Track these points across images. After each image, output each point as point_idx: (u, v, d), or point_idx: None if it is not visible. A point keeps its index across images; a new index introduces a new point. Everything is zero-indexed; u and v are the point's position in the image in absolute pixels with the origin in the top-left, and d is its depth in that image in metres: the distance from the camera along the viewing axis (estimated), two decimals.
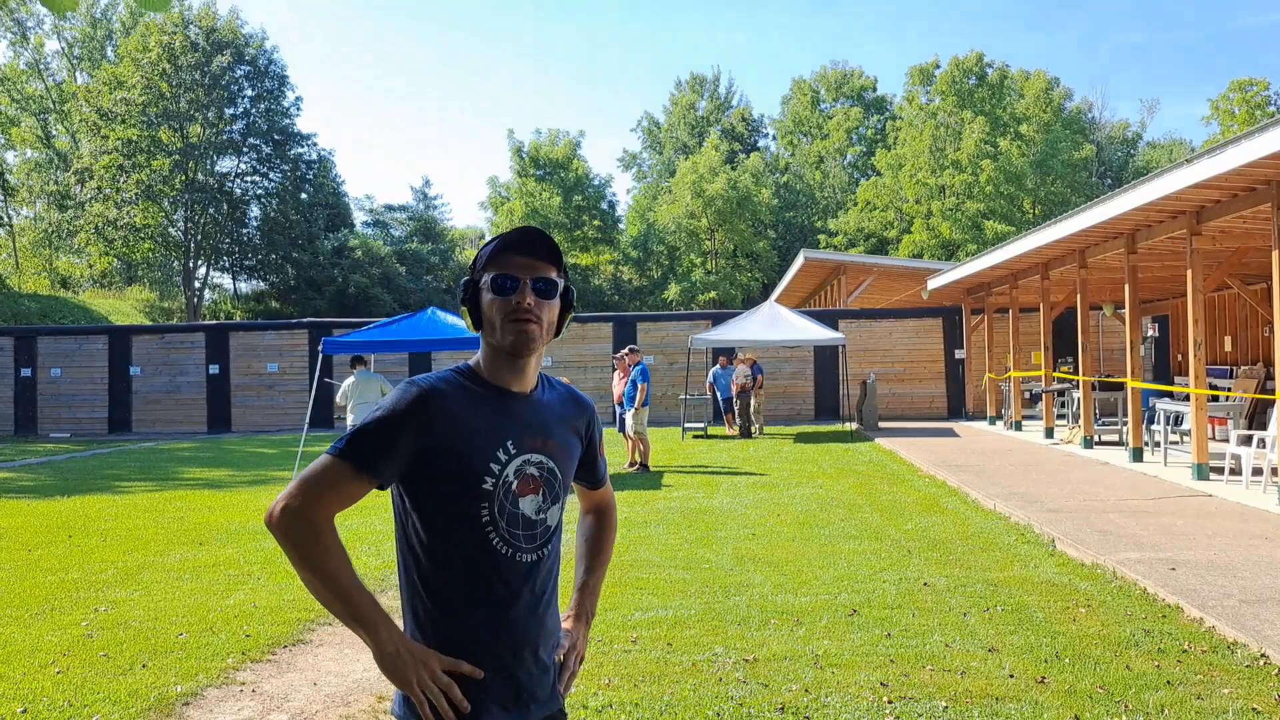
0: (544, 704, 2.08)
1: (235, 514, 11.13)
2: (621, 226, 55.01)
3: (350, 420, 13.34)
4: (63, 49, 55.65)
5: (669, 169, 60.57)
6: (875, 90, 63.65)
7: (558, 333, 2.12)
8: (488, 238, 60.18)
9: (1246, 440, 11.22)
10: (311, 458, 16.60)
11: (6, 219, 46.47)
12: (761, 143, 66.14)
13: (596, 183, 52.28)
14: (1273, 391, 15.24)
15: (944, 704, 4.64)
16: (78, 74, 54.83)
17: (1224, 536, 8.07)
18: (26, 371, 25.30)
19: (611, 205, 53.67)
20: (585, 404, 2.29)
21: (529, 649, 2.04)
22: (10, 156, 52.75)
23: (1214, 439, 13.48)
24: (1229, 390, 16.79)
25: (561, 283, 2.07)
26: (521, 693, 2.03)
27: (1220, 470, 11.38)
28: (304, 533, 1.87)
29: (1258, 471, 10.63)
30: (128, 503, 12.28)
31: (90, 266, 48.63)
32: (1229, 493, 10.35)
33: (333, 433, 22.39)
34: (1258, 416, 14.98)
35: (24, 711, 4.80)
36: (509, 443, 2.02)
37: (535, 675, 2.06)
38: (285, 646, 5.86)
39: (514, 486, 2.02)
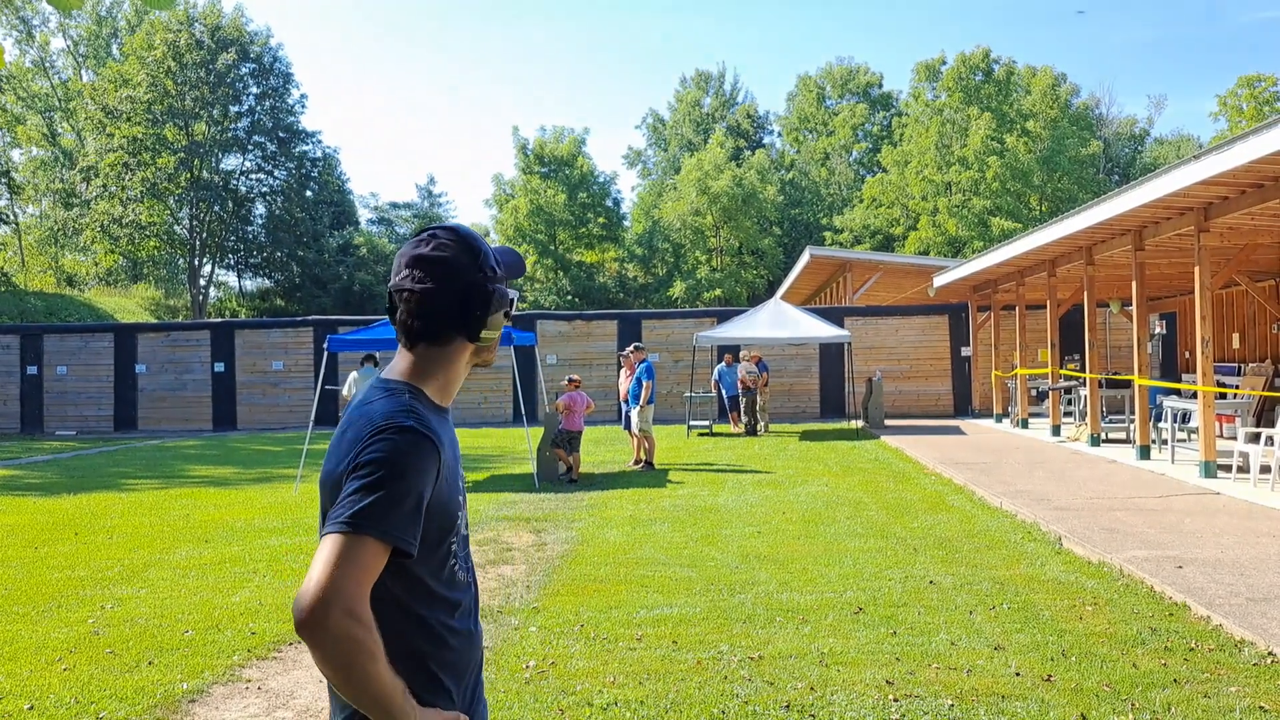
0: (484, 700, 2.03)
1: (241, 512, 11.15)
2: (626, 224, 54.99)
3: None
4: (68, 47, 55.79)
5: (674, 166, 60.54)
6: (881, 87, 63.57)
7: None
8: (492, 235, 60.31)
9: (1254, 438, 11.17)
10: (316, 455, 16.65)
11: (12, 217, 46.58)
12: (767, 139, 66.07)
13: (601, 180, 52.26)
14: None
15: (950, 702, 4.63)
16: (83, 72, 54.95)
17: (1231, 535, 8.05)
18: (32, 369, 25.36)
19: (616, 202, 53.65)
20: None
21: (481, 662, 1.99)
22: (16, 154, 52.89)
23: (1222, 436, 13.43)
24: (1237, 388, 16.73)
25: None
26: (481, 696, 1.97)
27: (1228, 468, 11.34)
28: (352, 633, 1.58)
29: (1266, 469, 10.59)
30: (133, 500, 12.30)
31: (96, 264, 48.74)
32: (1237, 491, 10.31)
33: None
34: (1266, 414, 14.91)
35: (31, 708, 4.81)
36: (459, 466, 1.90)
37: (481, 676, 2.02)
38: (291, 644, 5.86)
39: (465, 531, 1.91)
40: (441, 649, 1.82)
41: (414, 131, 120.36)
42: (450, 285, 1.84)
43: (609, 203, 52.47)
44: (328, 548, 1.62)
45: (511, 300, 1.93)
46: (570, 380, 13.59)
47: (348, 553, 1.61)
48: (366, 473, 1.66)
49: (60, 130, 54.03)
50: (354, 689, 1.61)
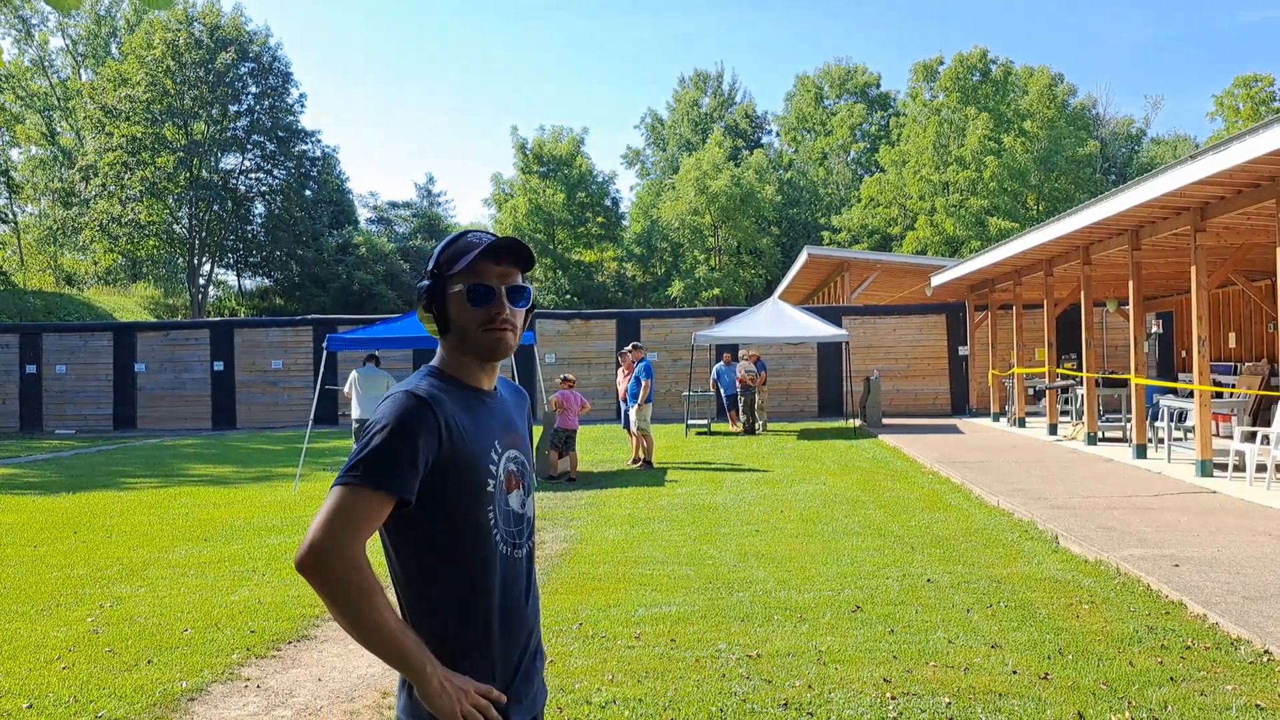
0: (543, 692, 2.15)
1: (240, 510, 11.16)
2: (625, 223, 54.98)
3: (355, 414, 13.35)
4: (67, 46, 55.75)
5: (672, 166, 60.51)
6: (879, 87, 63.55)
7: (522, 333, 2.16)
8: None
9: (1250, 437, 11.20)
10: (315, 453, 16.67)
11: (11, 216, 46.53)
12: (765, 139, 66.04)
13: (600, 179, 52.25)
14: (1277, 388, 15.22)
15: (947, 700, 4.65)
16: (82, 71, 54.91)
17: (1228, 533, 8.07)
18: (31, 368, 25.35)
19: (615, 202, 53.64)
20: (524, 393, 2.32)
21: (534, 641, 2.10)
22: (15, 154, 52.85)
23: (1218, 435, 13.46)
24: (1233, 387, 16.76)
25: (529, 288, 2.09)
26: (535, 687, 2.09)
27: (1224, 467, 11.37)
28: (342, 574, 1.77)
29: (1262, 468, 10.61)
30: (133, 499, 12.31)
31: (95, 263, 48.72)
32: (1233, 489, 10.34)
33: (337, 429, 22.43)
34: (1262, 413, 14.94)
35: (30, 707, 4.83)
36: (496, 441, 2.03)
37: (540, 667, 2.13)
38: (290, 642, 5.88)
39: (504, 484, 2.04)
40: (474, 616, 1.96)
41: (413, 131, 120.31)
42: (422, 281, 2.08)
43: (608, 202, 52.46)
44: (328, 499, 1.83)
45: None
46: (564, 379, 13.59)
47: (341, 501, 1.81)
48: (367, 434, 1.89)
49: (59, 129, 53.99)
50: (359, 631, 1.79)
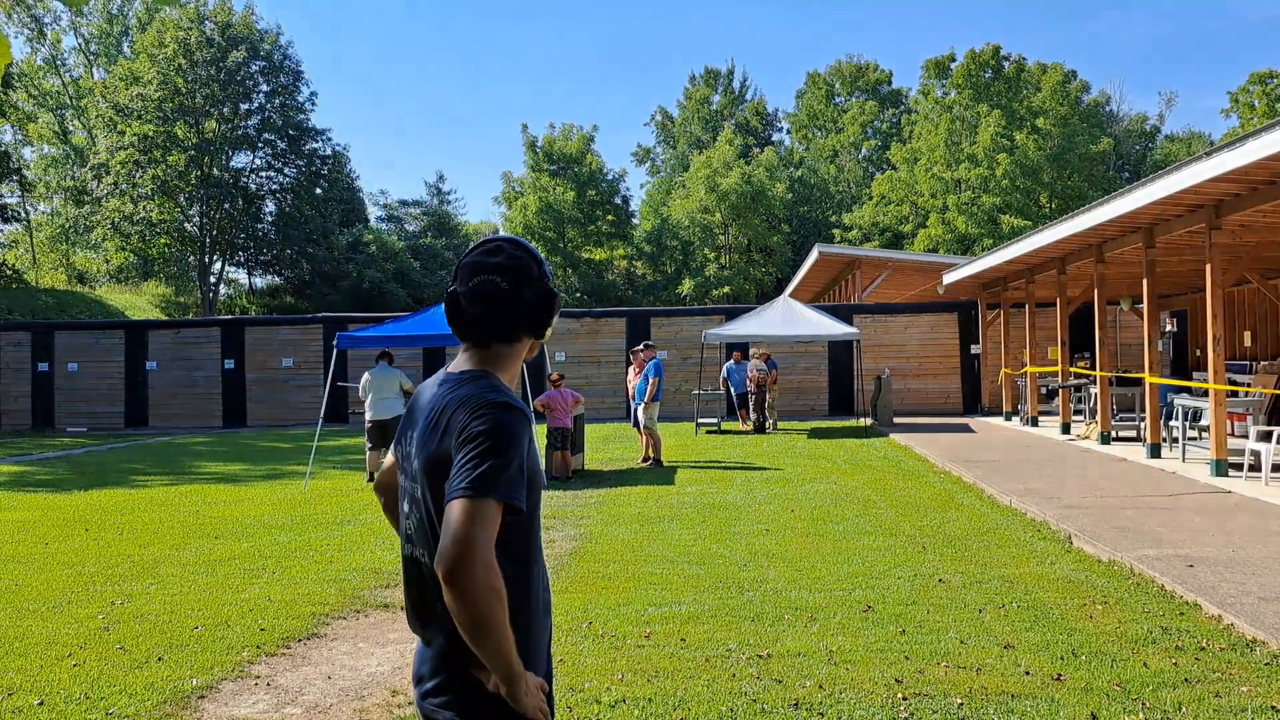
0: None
1: (250, 508, 11.18)
2: (635, 221, 54.96)
3: (368, 415, 13.34)
4: (79, 45, 56.00)
5: (683, 164, 60.46)
6: (890, 84, 63.35)
7: None
8: (502, 233, 60.17)
9: (1266, 436, 11.11)
10: (325, 452, 16.69)
11: (24, 214, 46.76)
12: (776, 137, 65.95)
13: (610, 178, 52.23)
14: None
15: (959, 700, 4.61)
16: (94, 70, 55.13)
17: (1243, 533, 8.01)
18: (43, 366, 25.47)
19: (625, 200, 53.63)
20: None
21: None
22: (28, 152, 53.13)
23: (1233, 435, 13.35)
24: (1248, 386, 16.64)
25: None
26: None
27: (1239, 466, 11.29)
28: (486, 582, 1.84)
29: (1277, 468, 10.53)
30: (144, 497, 12.35)
31: (106, 262, 48.93)
32: (1248, 489, 10.26)
33: (347, 427, 22.48)
34: (1277, 412, 14.83)
35: (40, 704, 4.83)
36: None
37: None
38: (300, 640, 5.88)
39: None
40: (534, 613, 2.09)
41: (423, 129, 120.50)
42: (526, 291, 2.11)
43: (618, 200, 52.45)
44: (459, 510, 1.87)
45: (552, 298, 2.17)
46: (549, 377, 13.52)
47: (476, 513, 1.87)
48: (479, 443, 1.93)
49: (71, 128, 54.24)
50: (489, 637, 1.85)
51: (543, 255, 2.13)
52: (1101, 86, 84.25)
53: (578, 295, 49.15)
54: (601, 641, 5.66)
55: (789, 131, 66.94)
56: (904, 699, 4.66)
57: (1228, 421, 11.89)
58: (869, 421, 20.53)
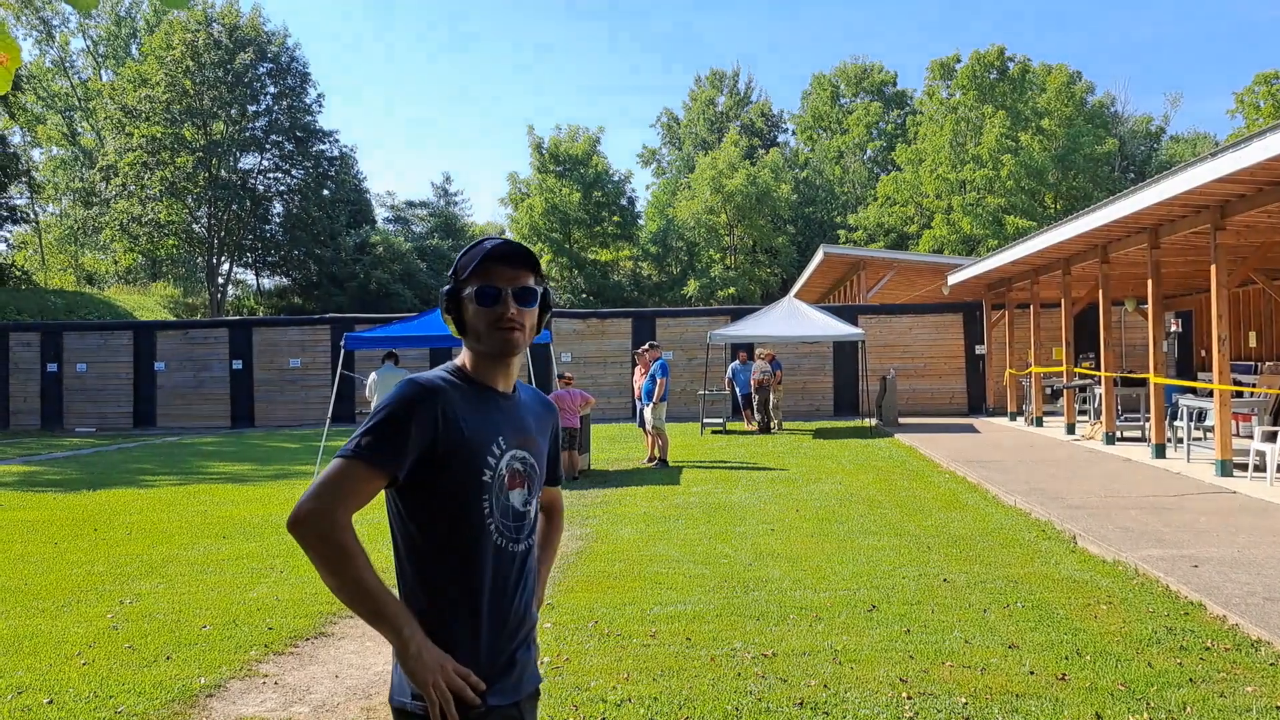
0: (531, 680, 2.22)
1: (258, 508, 11.23)
2: (641, 222, 54.93)
3: None
4: (88, 47, 56.17)
5: (688, 165, 60.46)
6: (895, 85, 63.32)
7: (538, 332, 2.25)
8: (508, 234, 60.16)
9: (1271, 437, 11.11)
10: (333, 451, 16.71)
11: (33, 216, 46.93)
12: (781, 138, 65.92)
13: (616, 179, 52.23)
14: None
15: (964, 700, 4.63)
16: (103, 72, 55.31)
17: (1247, 534, 8.01)
18: (53, 367, 25.56)
19: (631, 201, 53.61)
20: (552, 406, 2.44)
21: (524, 632, 2.19)
22: (36, 154, 53.31)
23: (1237, 435, 13.34)
24: (1253, 386, 16.62)
25: (540, 289, 2.20)
26: (519, 674, 2.16)
27: (1244, 467, 11.28)
28: (326, 535, 1.96)
29: None
30: (152, 497, 12.40)
31: (115, 263, 49.09)
32: (1253, 490, 10.26)
33: (354, 427, 22.52)
34: None
35: (50, 702, 4.87)
36: (500, 438, 2.15)
37: (528, 656, 2.21)
38: (307, 639, 5.91)
39: (505, 480, 2.15)
40: (464, 598, 2.08)
41: (430, 130, 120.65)
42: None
43: (623, 201, 52.44)
44: (326, 468, 2.04)
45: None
46: (560, 377, 13.56)
47: (335, 471, 2.00)
48: (371, 413, 2.08)
49: (80, 130, 54.41)
50: (341, 588, 1.96)
51: (470, 250, 2.19)
52: (1106, 88, 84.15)
53: (583, 296, 49.17)
54: (607, 640, 5.69)
55: (794, 133, 66.93)
56: (908, 698, 4.67)
57: (1233, 422, 11.89)
58: (874, 422, 20.53)
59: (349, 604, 1.98)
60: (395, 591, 2.09)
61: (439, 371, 2.16)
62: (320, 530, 1.96)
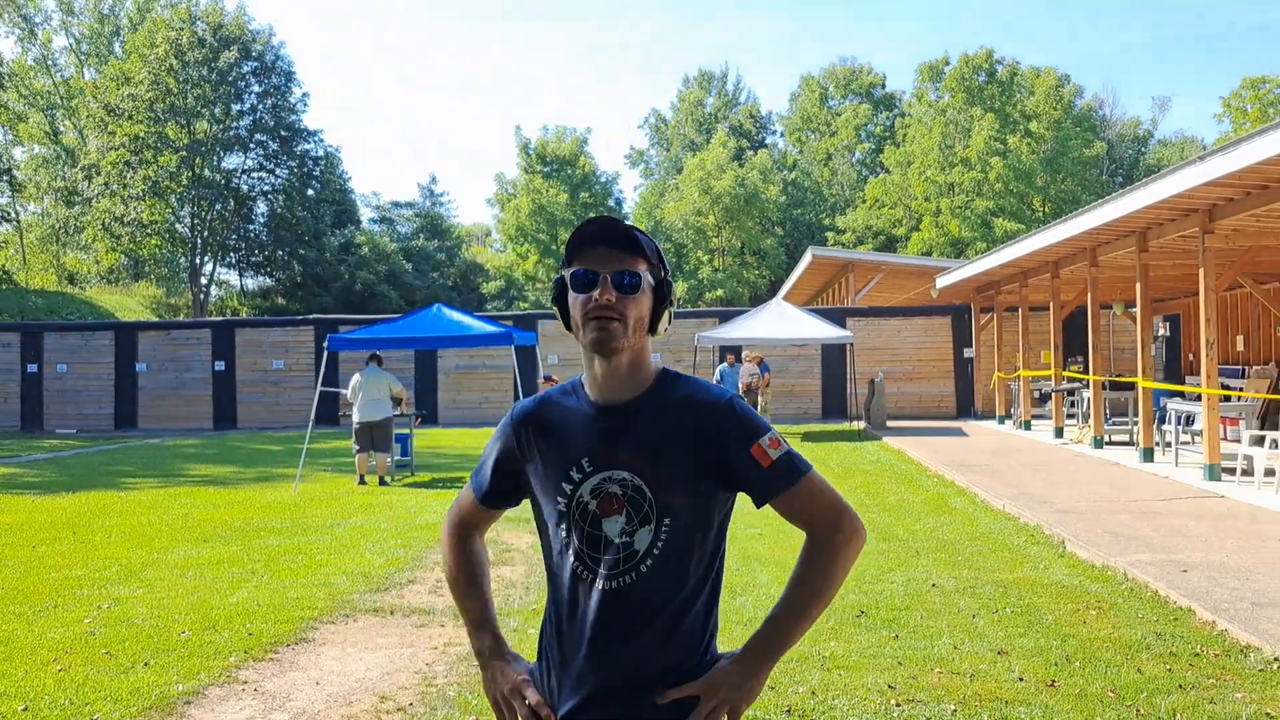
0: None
1: (239, 511, 11.11)
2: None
3: (356, 417, 13.26)
4: (70, 45, 55.76)
5: (676, 166, 60.49)
6: (884, 87, 63.48)
7: (653, 330, 1.94)
8: (494, 234, 60.06)
9: (1259, 441, 11.12)
10: (316, 454, 16.62)
11: (14, 215, 46.54)
12: (769, 140, 65.99)
13: (603, 179, 52.27)
14: None
15: (953, 707, 4.58)
16: (85, 70, 54.92)
17: (1236, 538, 7.99)
18: (33, 367, 25.33)
19: (619, 202, 53.65)
20: (709, 410, 1.92)
21: (620, 678, 1.89)
22: (18, 152, 52.89)
23: (1225, 439, 13.38)
24: (1241, 390, 16.67)
25: (646, 275, 1.90)
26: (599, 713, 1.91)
27: (1232, 471, 11.28)
28: (442, 541, 2.18)
29: (1270, 473, 10.54)
30: (132, 499, 12.26)
31: (97, 263, 48.71)
32: (1241, 494, 10.26)
33: (337, 430, 22.37)
34: (1270, 417, 14.85)
35: (25, 709, 4.77)
36: (584, 460, 1.91)
37: (633, 708, 1.89)
38: (288, 645, 5.82)
39: (592, 507, 1.90)
40: (547, 624, 2.02)
41: (416, 130, 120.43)
42: None
43: (611, 202, 52.45)
44: None
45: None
46: (546, 379, 13.49)
47: (462, 491, 2.18)
48: None
49: (62, 128, 54.00)
50: (452, 595, 2.17)
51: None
52: (1095, 91, 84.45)
53: None
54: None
55: (783, 134, 67.03)
56: (897, 705, 4.62)
57: (1220, 426, 11.90)
58: (862, 425, 20.52)
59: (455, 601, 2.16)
60: None
61: (557, 386, 2.08)
62: (443, 542, 2.18)
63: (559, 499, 1.93)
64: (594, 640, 1.89)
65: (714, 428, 1.91)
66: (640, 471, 1.89)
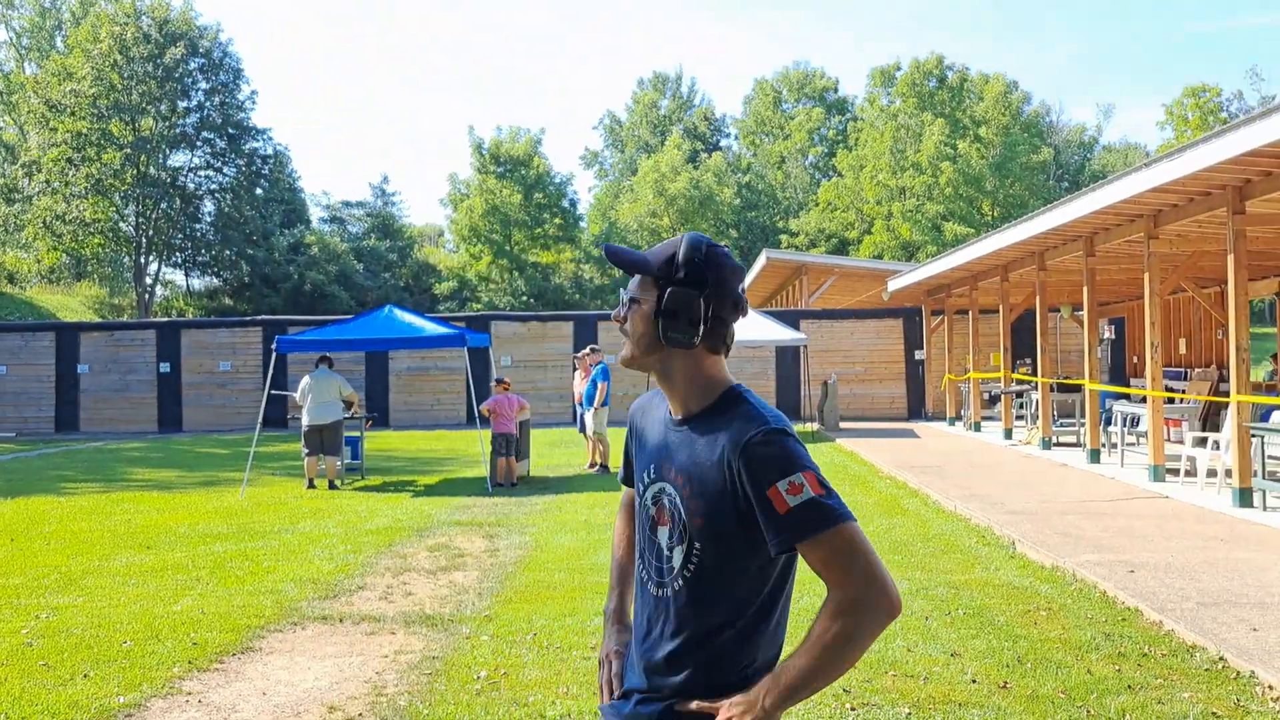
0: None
1: (184, 517, 10.87)
2: (583, 225, 54.82)
3: (305, 420, 13.03)
4: (10, 39, 54.41)
5: (631, 167, 60.52)
6: (837, 91, 64.06)
7: (669, 340, 1.90)
8: (447, 235, 59.58)
9: (1201, 442, 11.34)
10: (263, 458, 16.33)
11: None
12: (724, 142, 66.30)
13: (558, 180, 52.06)
14: (1226, 394, 15.46)
15: (907, 710, 4.59)
16: (26, 64, 53.60)
17: (1181, 538, 8.13)
18: None
19: (573, 203, 53.47)
20: (734, 440, 1.82)
21: (651, 679, 1.98)
22: None
23: (1169, 440, 13.64)
24: (1184, 393, 17.02)
25: (647, 292, 1.93)
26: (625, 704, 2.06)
27: (1175, 472, 11.50)
28: (618, 512, 2.32)
29: (1212, 473, 10.74)
30: (73, 505, 11.95)
31: (38, 262, 47.47)
32: (1185, 494, 10.45)
33: (286, 433, 22.03)
34: (1211, 418, 15.18)
35: None
36: (651, 466, 2.02)
37: (654, 710, 1.94)
38: (234, 655, 5.68)
39: (652, 514, 2.00)
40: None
41: (368, 130, 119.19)
42: None
43: (565, 203, 52.28)
44: None
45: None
46: (497, 382, 13.39)
47: None
48: None
49: (1, 124, 52.62)
50: None
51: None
52: (1042, 98, 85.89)
53: (524, 299, 48.88)
54: (546, 653, 5.55)
55: (737, 137, 67.36)
56: (852, 709, 4.62)
57: (1164, 427, 12.11)
58: (816, 427, 20.63)
59: None
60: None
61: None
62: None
63: (638, 497, 2.09)
64: (641, 638, 2.04)
65: (737, 461, 1.80)
66: (680, 490, 1.91)
